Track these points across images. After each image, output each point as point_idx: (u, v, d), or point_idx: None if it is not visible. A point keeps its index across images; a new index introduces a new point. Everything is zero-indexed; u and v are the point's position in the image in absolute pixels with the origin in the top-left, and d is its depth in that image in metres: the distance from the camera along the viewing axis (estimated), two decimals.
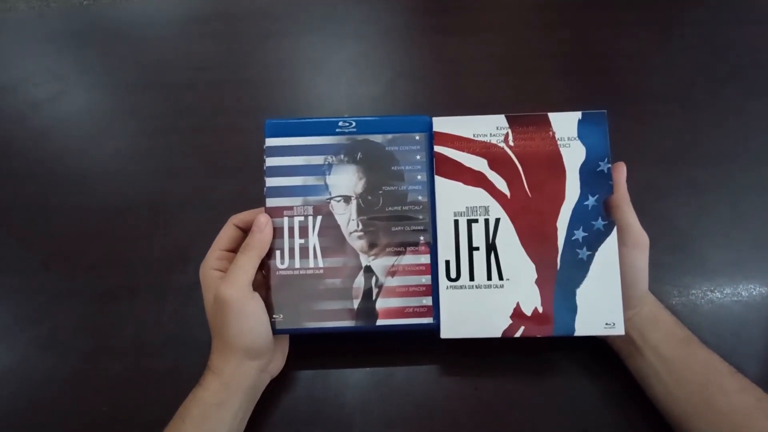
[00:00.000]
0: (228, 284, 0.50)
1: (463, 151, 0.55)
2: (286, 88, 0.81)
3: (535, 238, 0.54)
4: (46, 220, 0.70)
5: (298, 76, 0.82)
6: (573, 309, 0.52)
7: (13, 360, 0.62)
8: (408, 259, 0.55)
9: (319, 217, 0.54)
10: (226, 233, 0.55)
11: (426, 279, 0.55)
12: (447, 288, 0.54)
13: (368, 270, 0.54)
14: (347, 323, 0.54)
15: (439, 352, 0.60)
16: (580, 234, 0.53)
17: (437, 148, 0.55)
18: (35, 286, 0.66)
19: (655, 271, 0.53)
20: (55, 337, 0.63)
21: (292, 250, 0.54)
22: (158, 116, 0.78)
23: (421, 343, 0.59)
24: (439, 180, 0.55)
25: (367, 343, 0.60)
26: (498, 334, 0.53)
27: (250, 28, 0.86)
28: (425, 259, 0.55)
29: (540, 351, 0.59)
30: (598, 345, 0.57)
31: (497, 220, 0.54)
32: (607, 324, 0.52)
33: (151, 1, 0.92)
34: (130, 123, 0.78)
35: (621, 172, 0.54)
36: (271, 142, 0.55)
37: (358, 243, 0.54)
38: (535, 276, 0.53)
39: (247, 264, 0.51)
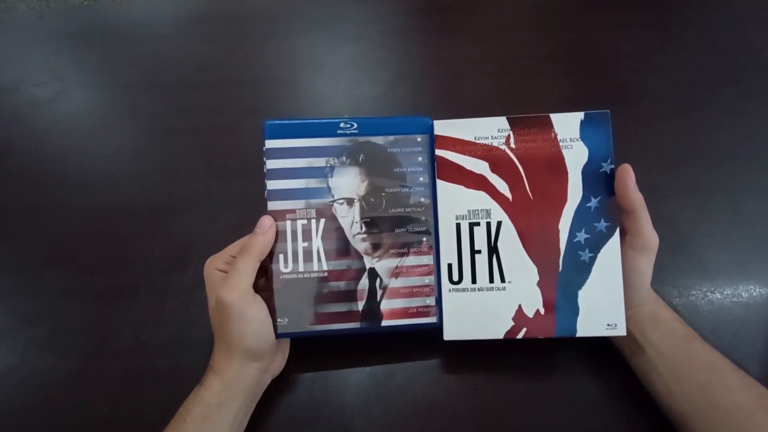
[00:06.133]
0: (229, 289, 0.49)
1: (465, 154, 0.55)
2: (286, 88, 0.81)
3: (537, 240, 0.54)
4: (46, 220, 0.70)
5: (298, 76, 0.82)
6: (575, 310, 0.53)
7: (13, 360, 0.61)
8: (411, 260, 0.55)
9: (322, 220, 0.54)
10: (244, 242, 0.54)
11: (429, 279, 0.55)
12: (449, 291, 0.54)
13: (372, 272, 0.54)
14: (352, 325, 0.54)
15: (439, 353, 0.60)
16: (582, 236, 0.53)
17: (438, 152, 0.55)
18: (35, 286, 0.66)
19: (655, 271, 0.53)
20: (55, 337, 0.63)
21: (295, 253, 0.54)
22: (158, 116, 0.78)
23: (421, 343, 0.59)
24: (440, 184, 0.55)
25: (367, 344, 0.60)
26: (500, 335, 0.53)
27: (250, 29, 0.86)
28: (428, 259, 0.55)
29: (540, 351, 0.59)
30: (599, 344, 0.57)
31: (499, 223, 0.54)
32: (608, 325, 0.52)
33: (151, 1, 0.92)
34: (130, 123, 0.78)
35: (630, 175, 0.51)
36: (270, 143, 0.55)
37: (361, 245, 0.54)
38: (537, 278, 0.53)
39: (247, 268, 0.51)
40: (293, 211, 0.54)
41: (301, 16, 0.87)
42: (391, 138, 0.55)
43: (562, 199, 0.53)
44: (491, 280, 0.54)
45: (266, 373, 0.55)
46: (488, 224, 0.54)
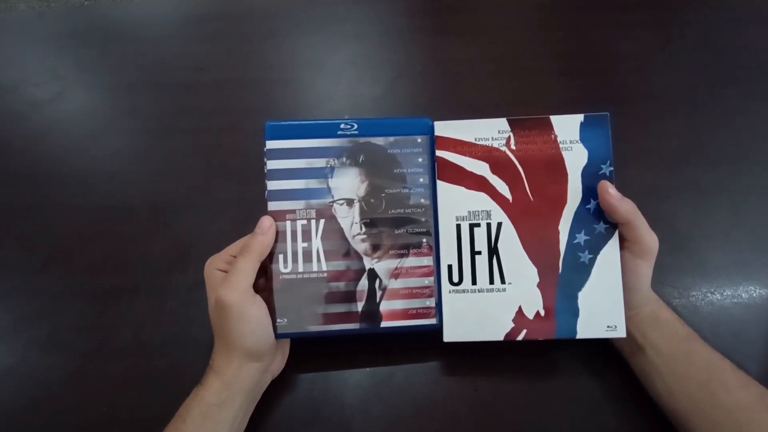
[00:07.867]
0: (228, 288, 0.50)
1: (465, 155, 0.55)
2: (286, 88, 0.81)
3: (537, 241, 0.54)
4: (46, 220, 0.70)
5: (298, 76, 0.82)
6: (575, 312, 0.53)
7: (13, 360, 0.62)
8: (411, 261, 0.55)
9: (322, 221, 0.54)
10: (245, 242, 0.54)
11: (429, 281, 0.55)
12: (449, 292, 0.54)
13: (372, 273, 0.54)
14: (351, 326, 0.54)
15: (439, 353, 0.60)
16: (582, 237, 0.53)
17: (439, 153, 0.55)
18: (35, 286, 0.66)
19: (655, 272, 0.53)
20: (55, 337, 0.63)
21: (295, 253, 0.54)
22: (158, 116, 0.78)
23: (421, 343, 0.59)
24: (441, 184, 0.55)
25: (367, 344, 0.59)
26: (500, 337, 0.53)
27: (250, 28, 0.86)
28: (428, 261, 0.55)
29: (540, 352, 0.60)
30: (599, 344, 0.58)
31: (499, 224, 0.54)
32: (608, 327, 0.52)
33: (151, 1, 0.92)
34: (130, 123, 0.78)
35: (609, 192, 0.51)
36: (271, 144, 0.55)
37: (361, 246, 0.54)
38: (537, 279, 0.53)
39: (247, 267, 0.51)
40: (293, 211, 0.54)
41: (301, 16, 0.86)
42: (392, 139, 0.55)
43: (562, 201, 0.53)
44: (491, 282, 0.54)
45: (266, 373, 0.55)
46: (488, 225, 0.54)
